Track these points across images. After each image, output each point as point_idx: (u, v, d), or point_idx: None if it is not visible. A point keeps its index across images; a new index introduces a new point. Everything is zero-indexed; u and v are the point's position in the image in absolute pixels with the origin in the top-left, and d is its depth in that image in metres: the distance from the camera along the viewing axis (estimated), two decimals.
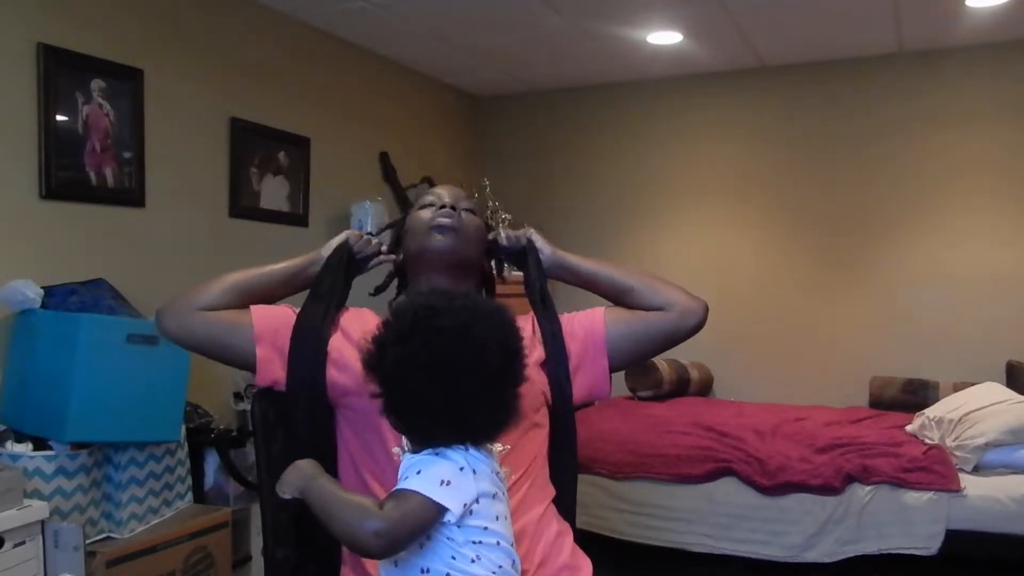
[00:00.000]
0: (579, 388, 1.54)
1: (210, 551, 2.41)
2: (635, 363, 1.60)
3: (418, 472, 1.10)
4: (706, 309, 1.56)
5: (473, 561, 1.11)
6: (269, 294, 1.52)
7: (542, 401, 1.49)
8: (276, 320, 1.47)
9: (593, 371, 1.54)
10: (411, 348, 1.11)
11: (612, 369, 1.56)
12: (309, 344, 1.43)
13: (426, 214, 1.54)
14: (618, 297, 1.57)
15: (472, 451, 1.14)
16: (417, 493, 1.08)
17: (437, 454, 1.11)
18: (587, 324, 1.55)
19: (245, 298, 1.48)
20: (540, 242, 1.61)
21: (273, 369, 1.45)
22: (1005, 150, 4.07)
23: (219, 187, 3.26)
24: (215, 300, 1.45)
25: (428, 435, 1.13)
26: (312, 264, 1.55)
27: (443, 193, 1.57)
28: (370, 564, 1.34)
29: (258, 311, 1.47)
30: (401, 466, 1.14)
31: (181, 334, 1.44)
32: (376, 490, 1.37)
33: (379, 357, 1.13)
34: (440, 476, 1.09)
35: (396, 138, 4.29)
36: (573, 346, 1.53)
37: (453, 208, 1.52)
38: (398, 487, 1.10)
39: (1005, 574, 2.98)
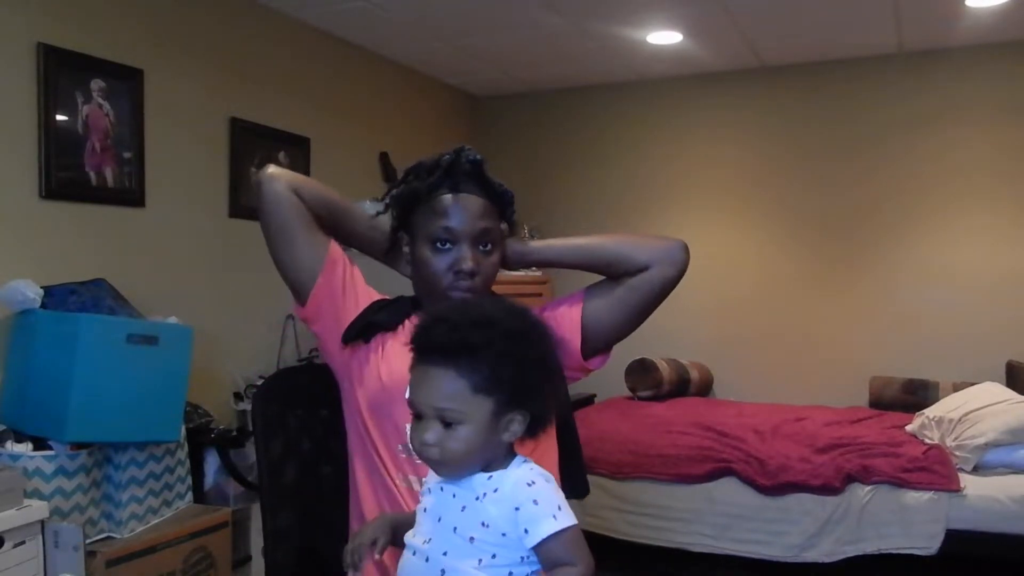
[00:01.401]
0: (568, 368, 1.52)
1: (210, 551, 2.41)
2: (633, 323, 1.54)
3: (559, 507, 1.08)
4: (686, 249, 1.52)
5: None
6: (340, 230, 1.54)
7: None
8: (347, 270, 1.49)
9: (569, 351, 1.51)
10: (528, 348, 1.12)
11: (609, 342, 1.54)
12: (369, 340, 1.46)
13: (440, 268, 1.42)
14: (602, 271, 1.55)
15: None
16: (575, 525, 1.08)
17: (530, 485, 1.09)
18: (566, 305, 1.54)
19: (327, 218, 1.51)
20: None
21: (319, 305, 1.46)
22: (1005, 150, 4.07)
23: (219, 187, 3.25)
24: (312, 198, 1.50)
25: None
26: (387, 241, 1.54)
27: (463, 233, 1.42)
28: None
29: (337, 249, 1.49)
30: (503, 497, 1.10)
31: (271, 197, 1.46)
32: (381, 468, 1.39)
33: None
34: (558, 500, 1.10)
35: (396, 138, 4.29)
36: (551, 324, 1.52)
37: (475, 273, 1.41)
38: (553, 532, 1.06)
39: (1005, 574, 2.98)
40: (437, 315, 1.14)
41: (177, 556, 2.31)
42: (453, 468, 1.11)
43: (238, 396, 3.11)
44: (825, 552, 3.06)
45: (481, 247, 1.44)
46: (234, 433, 2.75)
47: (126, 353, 2.24)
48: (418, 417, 1.12)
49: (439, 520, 1.12)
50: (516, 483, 1.09)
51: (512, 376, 1.09)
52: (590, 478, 3.36)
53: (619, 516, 3.34)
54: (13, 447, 2.15)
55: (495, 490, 1.09)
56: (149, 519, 2.35)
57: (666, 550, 3.27)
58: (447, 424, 1.09)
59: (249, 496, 2.75)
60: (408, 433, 1.20)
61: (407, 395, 1.13)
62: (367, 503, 1.42)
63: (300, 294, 1.48)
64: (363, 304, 1.48)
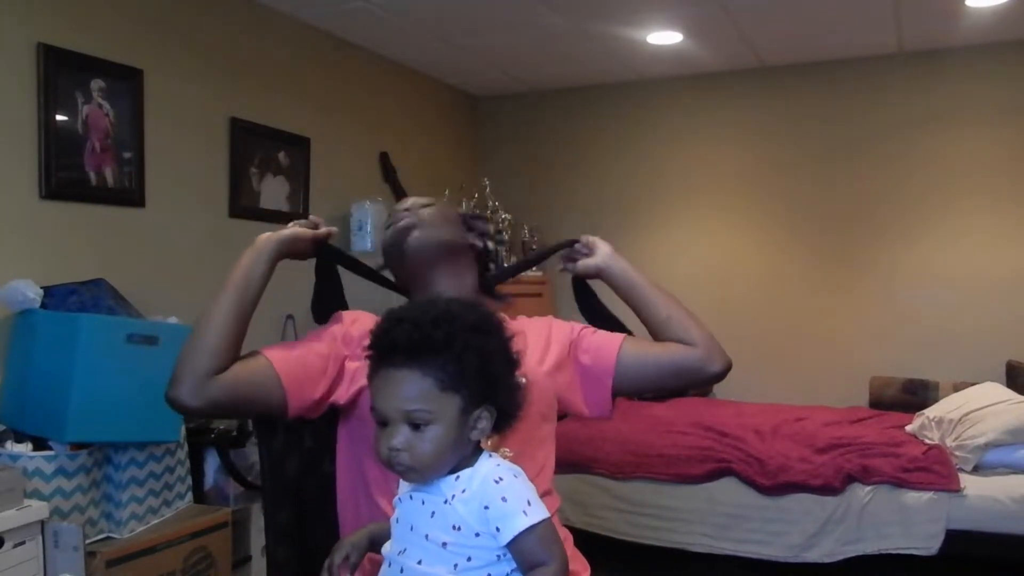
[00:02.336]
0: (577, 401, 1.54)
1: (210, 551, 2.41)
2: (649, 391, 1.58)
3: (528, 503, 1.07)
4: (729, 364, 1.54)
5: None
6: (249, 311, 1.37)
7: (552, 408, 1.49)
8: (297, 362, 1.36)
9: (598, 390, 1.53)
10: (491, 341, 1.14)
11: (621, 393, 1.54)
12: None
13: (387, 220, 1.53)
14: (651, 320, 1.56)
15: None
16: (547, 518, 1.08)
17: (498, 482, 1.09)
18: (602, 344, 1.54)
19: (240, 334, 1.34)
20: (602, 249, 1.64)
21: (303, 402, 1.35)
22: (1005, 150, 4.08)
23: (219, 187, 3.26)
24: (223, 357, 1.30)
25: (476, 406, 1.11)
26: (256, 263, 1.38)
27: (401, 203, 1.55)
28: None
29: (276, 357, 1.34)
30: (471, 497, 1.08)
31: (203, 405, 1.28)
32: (375, 491, 1.38)
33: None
34: (527, 495, 1.09)
35: (396, 138, 4.29)
36: (584, 359, 1.53)
37: (407, 210, 1.50)
38: (524, 528, 1.05)
39: (1005, 574, 2.98)
40: (395, 317, 1.13)
41: (177, 556, 2.31)
42: (424, 472, 1.09)
43: None
44: (825, 552, 3.05)
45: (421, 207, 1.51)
46: (234, 433, 2.74)
47: (126, 353, 2.24)
48: (383, 424, 1.10)
49: (411, 529, 1.11)
50: (483, 481, 1.08)
51: (478, 369, 1.09)
52: (591, 478, 3.38)
53: (619, 516, 3.34)
54: (13, 447, 2.15)
55: (463, 491, 1.08)
56: (149, 519, 2.35)
57: (666, 550, 3.27)
58: (415, 426, 1.07)
59: (249, 496, 2.75)
60: None
61: (371, 403, 1.12)
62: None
63: (278, 418, 1.41)
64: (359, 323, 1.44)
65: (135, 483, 2.31)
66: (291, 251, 1.43)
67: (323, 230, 1.47)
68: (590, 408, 1.55)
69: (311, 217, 1.49)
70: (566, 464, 3.37)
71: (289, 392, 1.32)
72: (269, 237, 1.40)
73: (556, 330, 1.57)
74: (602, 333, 1.57)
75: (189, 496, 2.54)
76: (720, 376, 1.53)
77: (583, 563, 1.49)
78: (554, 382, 1.49)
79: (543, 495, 1.25)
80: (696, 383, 1.56)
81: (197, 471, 2.67)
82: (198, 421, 2.72)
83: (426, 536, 1.09)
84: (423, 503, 1.11)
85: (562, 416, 1.55)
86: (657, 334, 1.56)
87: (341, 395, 1.38)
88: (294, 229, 1.44)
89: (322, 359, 1.37)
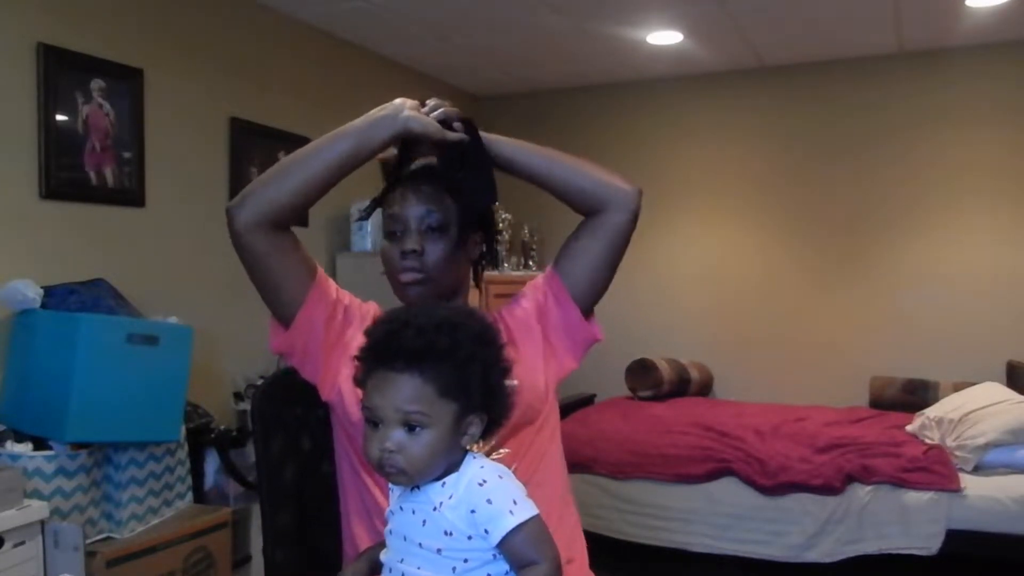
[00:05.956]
0: (575, 348, 1.53)
1: (210, 551, 2.41)
2: (607, 271, 1.57)
3: (514, 502, 1.07)
4: (640, 195, 1.60)
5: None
6: (347, 170, 1.46)
7: (540, 400, 1.48)
8: (332, 305, 1.40)
9: (570, 320, 1.52)
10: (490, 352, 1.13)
11: (587, 299, 1.54)
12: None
13: (393, 255, 1.43)
14: (557, 192, 1.55)
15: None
16: (536, 516, 1.08)
17: (482, 484, 1.09)
18: (546, 287, 1.54)
19: (325, 190, 1.41)
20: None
21: (297, 337, 1.36)
22: (1005, 150, 4.07)
23: (219, 187, 3.25)
24: (298, 206, 1.37)
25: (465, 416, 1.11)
26: (381, 130, 1.45)
27: (408, 217, 1.45)
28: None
29: (323, 284, 1.39)
30: (457, 502, 1.09)
31: (244, 240, 1.33)
32: (374, 490, 1.37)
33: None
34: (513, 495, 1.09)
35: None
36: (551, 303, 1.53)
37: (416, 251, 1.40)
38: (512, 527, 1.06)
39: (1005, 574, 2.98)
40: (398, 320, 1.12)
41: (177, 556, 2.31)
42: (415, 475, 1.09)
43: (238, 396, 3.11)
44: (825, 552, 3.06)
45: (429, 229, 1.43)
46: (234, 433, 2.75)
47: (126, 353, 2.24)
48: (375, 425, 1.09)
49: (404, 539, 1.12)
50: (468, 485, 1.09)
51: (479, 379, 1.09)
52: (591, 478, 3.38)
53: (619, 516, 3.34)
54: (13, 447, 2.15)
55: (450, 496, 1.09)
56: (149, 519, 2.35)
57: (666, 550, 3.27)
58: (409, 429, 1.07)
59: (249, 496, 2.75)
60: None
61: (362, 402, 1.11)
62: (359, 534, 1.39)
63: (278, 313, 1.38)
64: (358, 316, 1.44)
65: (135, 483, 2.31)
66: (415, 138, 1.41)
67: (454, 136, 1.46)
68: (585, 338, 1.53)
69: (448, 109, 1.46)
70: (566, 464, 3.38)
71: (308, 302, 1.35)
72: (408, 117, 1.42)
73: (527, 320, 1.53)
74: (537, 283, 1.56)
75: (189, 496, 2.54)
76: (638, 215, 1.58)
77: (581, 544, 1.48)
78: (531, 374, 1.46)
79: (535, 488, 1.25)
80: (628, 237, 1.59)
81: (197, 471, 2.67)
82: (198, 421, 2.72)
83: (420, 544, 1.10)
84: (413, 512, 1.11)
85: (565, 415, 1.54)
86: (564, 202, 1.55)
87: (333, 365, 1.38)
88: (436, 128, 1.44)
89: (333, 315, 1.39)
